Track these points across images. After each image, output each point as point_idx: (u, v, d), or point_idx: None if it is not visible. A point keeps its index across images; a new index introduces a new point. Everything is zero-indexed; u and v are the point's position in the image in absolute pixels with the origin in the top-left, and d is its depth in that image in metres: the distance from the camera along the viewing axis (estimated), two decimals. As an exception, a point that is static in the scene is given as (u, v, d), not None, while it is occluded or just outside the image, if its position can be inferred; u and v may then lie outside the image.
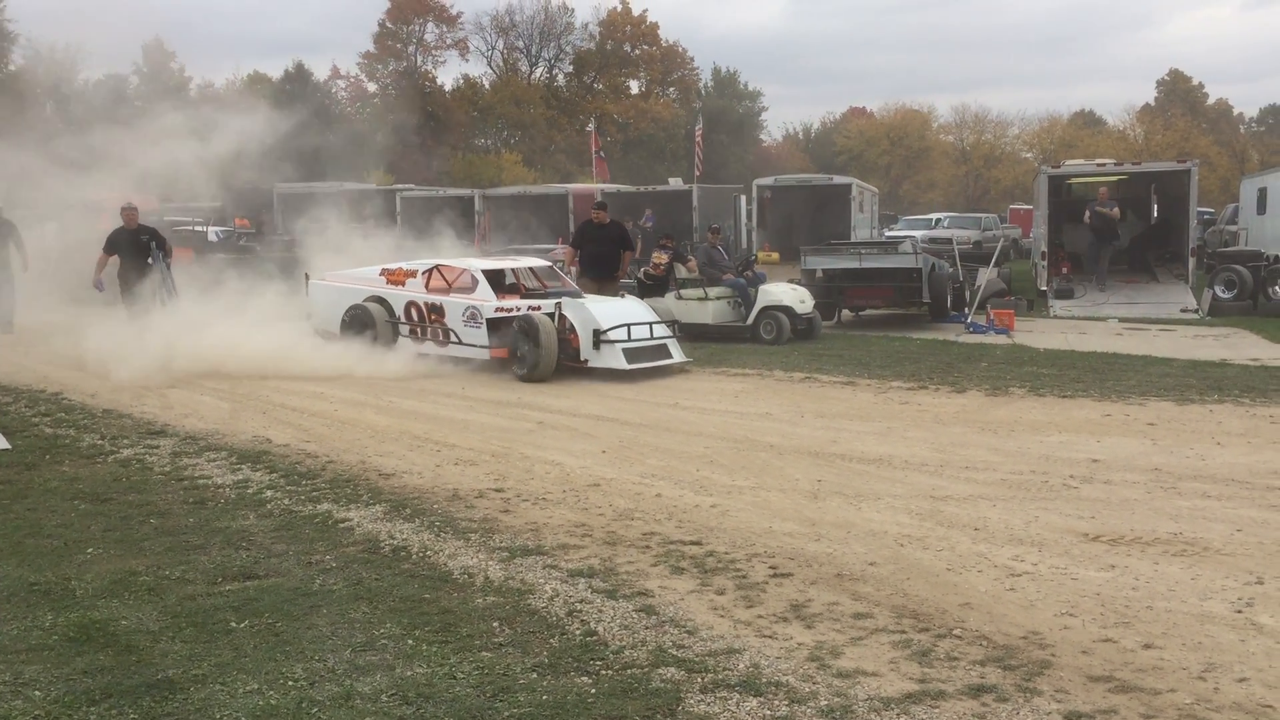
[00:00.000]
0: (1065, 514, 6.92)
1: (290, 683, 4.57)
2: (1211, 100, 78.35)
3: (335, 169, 33.28)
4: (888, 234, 35.15)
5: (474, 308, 13.49)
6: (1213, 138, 69.89)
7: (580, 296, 13.78)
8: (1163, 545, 6.24)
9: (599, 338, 12.79)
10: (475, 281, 13.82)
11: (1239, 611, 5.18)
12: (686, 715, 4.20)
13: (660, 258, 17.09)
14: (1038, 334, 17.34)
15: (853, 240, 25.39)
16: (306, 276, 15.53)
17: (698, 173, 44.16)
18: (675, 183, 35.59)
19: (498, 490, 7.79)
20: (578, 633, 5.06)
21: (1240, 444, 8.95)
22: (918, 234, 31.53)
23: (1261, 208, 27.17)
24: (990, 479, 7.86)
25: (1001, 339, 16.70)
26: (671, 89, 73.24)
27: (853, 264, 18.68)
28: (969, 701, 4.28)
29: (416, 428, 10.14)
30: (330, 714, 4.27)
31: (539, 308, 13.23)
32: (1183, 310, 20.17)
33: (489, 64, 70.65)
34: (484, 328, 13.37)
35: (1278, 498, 7.23)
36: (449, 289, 14.21)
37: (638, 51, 71.75)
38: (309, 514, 7.22)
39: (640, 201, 32.61)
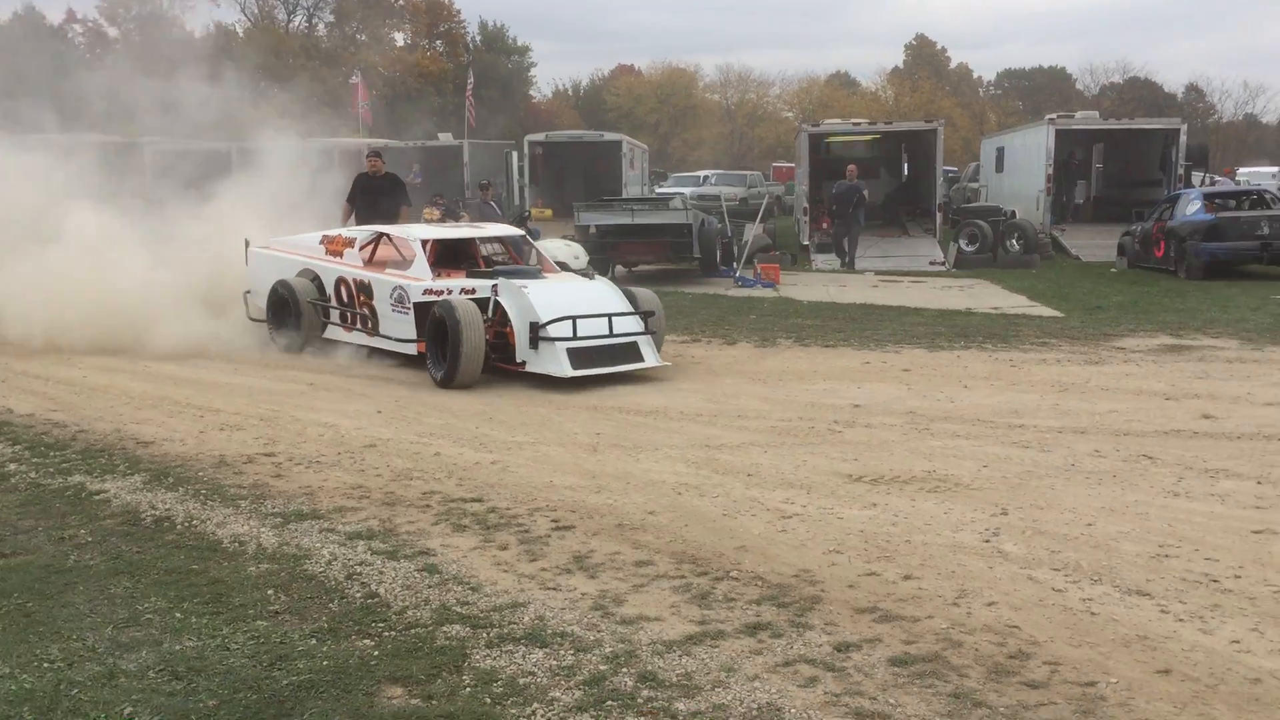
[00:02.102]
0: (831, 457, 7.26)
1: (46, 665, 4.29)
2: (954, 64, 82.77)
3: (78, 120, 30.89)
4: (658, 191, 35.68)
5: (402, 288, 10.57)
6: (955, 100, 73.91)
7: (538, 276, 10.66)
8: (918, 483, 6.63)
9: (537, 333, 9.74)
10: (413, 255, 10.90)
11: (986, 541, 5.57)
12: (473, 671, 4.19)
13: (432, 214, 16.81)
14: (801, 287, 18.04)
15: (625, 197, 25.64)
16: (247, 244, 12.60)
17: (471, 126, 43.50)
18: (445, 138, 34.97)
19: (268, 455, 7.51)
20: (358, 596, 4.95)
21: (985, 386, 9.60)
22: (687, 191, 32.13)
23: (1000, 166, 29.08)
24: (761, 426, 8.14)
25: (768, 292, 17.29)
26: (439, 41, 71.69)
27: (625, 220, 18.88)
28: (746, 639, 4.44)
29: (177, 393, 9.64)
30: (92, 694, 4.04)
31: (471, 291, 10.29)
32: (931, 263, 21.39)
33: (242, 10, 67.28)
34: (411, 314, 10.42)
35: (1019, 435, 7.79)
36: (386, 263, 11.25)
37: (401, 1, 69.81)
38: (59, 487, 6.77)
39: (408, 157, 31.88)
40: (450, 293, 10.21)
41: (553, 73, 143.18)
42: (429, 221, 16.63)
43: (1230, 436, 7.68)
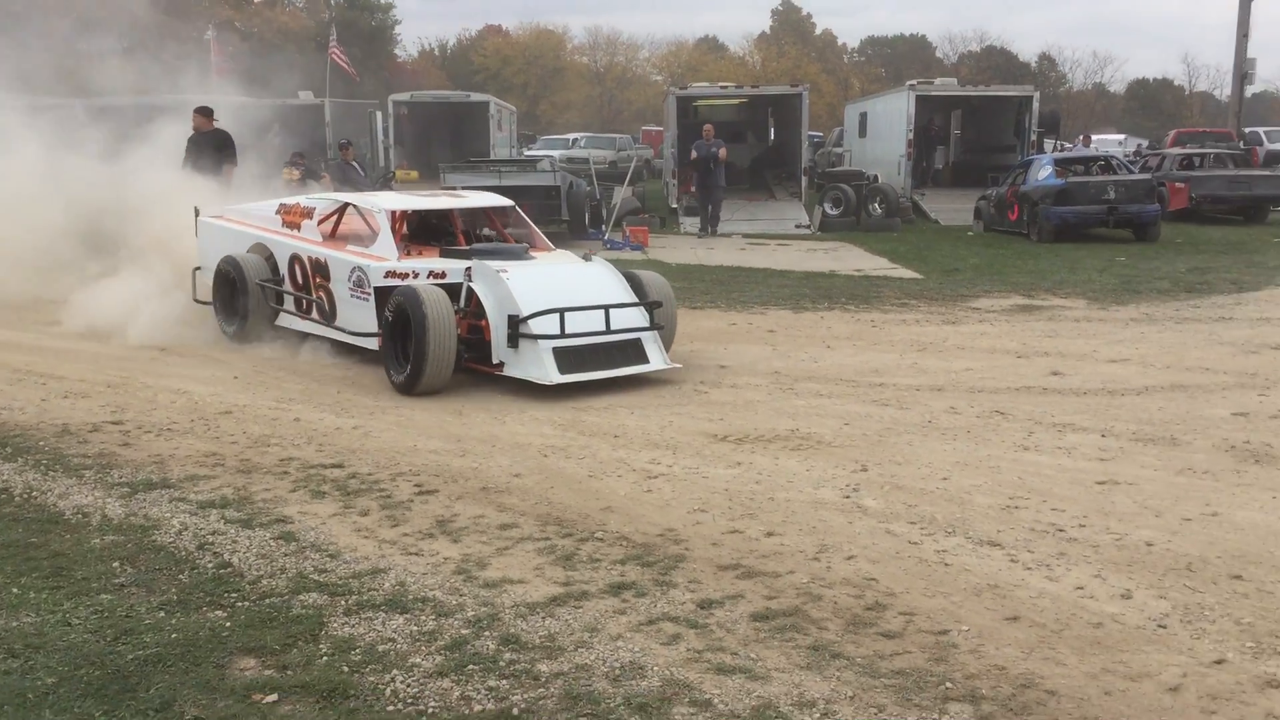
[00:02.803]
0: (696, 417, 7.30)
1: None
2: (819, 30, 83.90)
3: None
4: (526, 153, 35.34)
5: (361, 269, 8.68)
6: (820, 66, 74.93)
7: (522, 256, 8.85)
8: (782, 441, 6.72)
9: (516, 329, 7.99)
10: (378, 228, 9.10)
11: (846, 497, 5.67)
12: (330, 639, 4.09)
13: (292, 174, 16.29)
14: (670, 250, 18.10)
15: (492, 159, 25.31)
16: (196, 212, 10.91)
17: (354, 79, 42.33)
18: (305, 96, 33.94)
19: (115, 423, 7.20)
20: (210, 566, 4.78)
21: (847, 346, 9.78)
22: (555, 153, 31.91)
23: (863, 131, 29.59)
24: (628, 388, 8.14)
25: (637, 255, 17.29)
26: (299, -3, 69.46)
27: (493, 182, 18.60)
28: (610, 599, 4.43)
29: (15, 359, 9.17)
30: (-81, 678, 3.81)
31: (441, 274, 8.51)
32: (797, 226, 21.69)
33: (88, -40, 64.10)
34: (371, 300, 8.54)
35: (879, 394, 7.96)
36: (348, 239, 9.43)
37: (259, -45, 67.37)
38: (-115, 460, 6.37)
39: (266, 116, 30.85)
40: (416, 276, 8.48)
41: (418, 32, 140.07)
42: (289, 183, 16.11)
43: (1077, 392, 7.98)
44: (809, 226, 21.64)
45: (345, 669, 3.87)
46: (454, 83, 67.17)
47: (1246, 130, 36.24)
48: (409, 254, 8.90)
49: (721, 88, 28.17)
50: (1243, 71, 34.16)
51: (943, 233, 21.37)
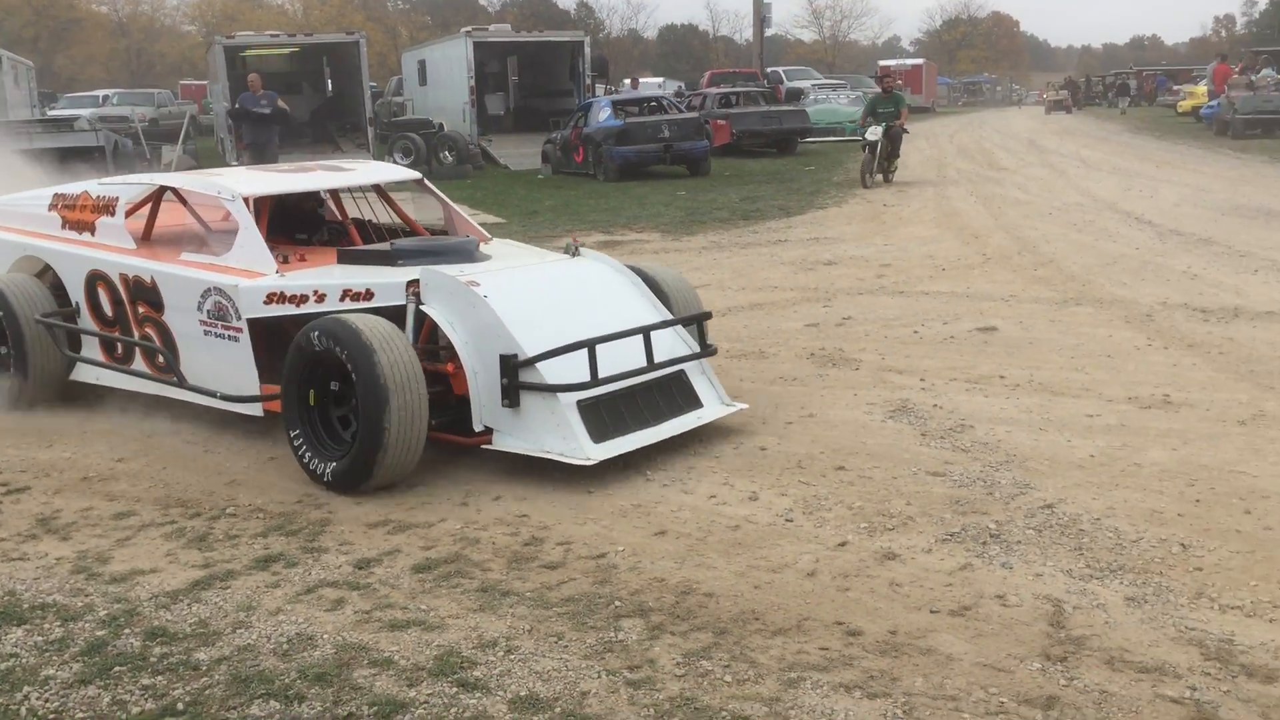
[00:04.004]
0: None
1: None
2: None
3: None
4: (51, 113, 31.88)
5: (222, 291, 5.66)
6: (365, 14, 73.35)
7: (474, 255, 5.89)
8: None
9: (515, 376, 5.12)
10: (232, 225, 6.10)
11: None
12: (-64, 669, 3.57)
13: None
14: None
15: (16, 119, 22.62)
16: None
17: None
18: None
19: None
20: None
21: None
22: (86, 112, 29.04)
23: (423, 79, 29.35)
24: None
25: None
26: None
27: (25, 145, 16.69)
28: (260, 574, 4.19)
29: None
30: None
31: (366, 294, 5.43)
32: (368, 178, 21.17)
33: None
34: (243, 338, 5.62)
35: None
36: (180, 244, 6.37)
37: None
38: None
39: None
40: (320, 298, 5.44)
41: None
42: None
43: (671, 318, 8.46)
44: (380, 178, 21.19)
45: (-35, 698, 3.40)
46: (-50, 36, 59.16)
47: (769, 70, 39.74)
48: (285, 262, 5.89)
49: (271, 36, 26.78)
50: (762, 16, 37.33)
51: (514, 177, 21.75)
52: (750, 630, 3.64)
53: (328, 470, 5.03)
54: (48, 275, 6.74)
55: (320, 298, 5.44)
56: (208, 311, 5.70)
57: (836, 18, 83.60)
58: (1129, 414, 5.79)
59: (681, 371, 5.65)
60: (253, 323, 5.55)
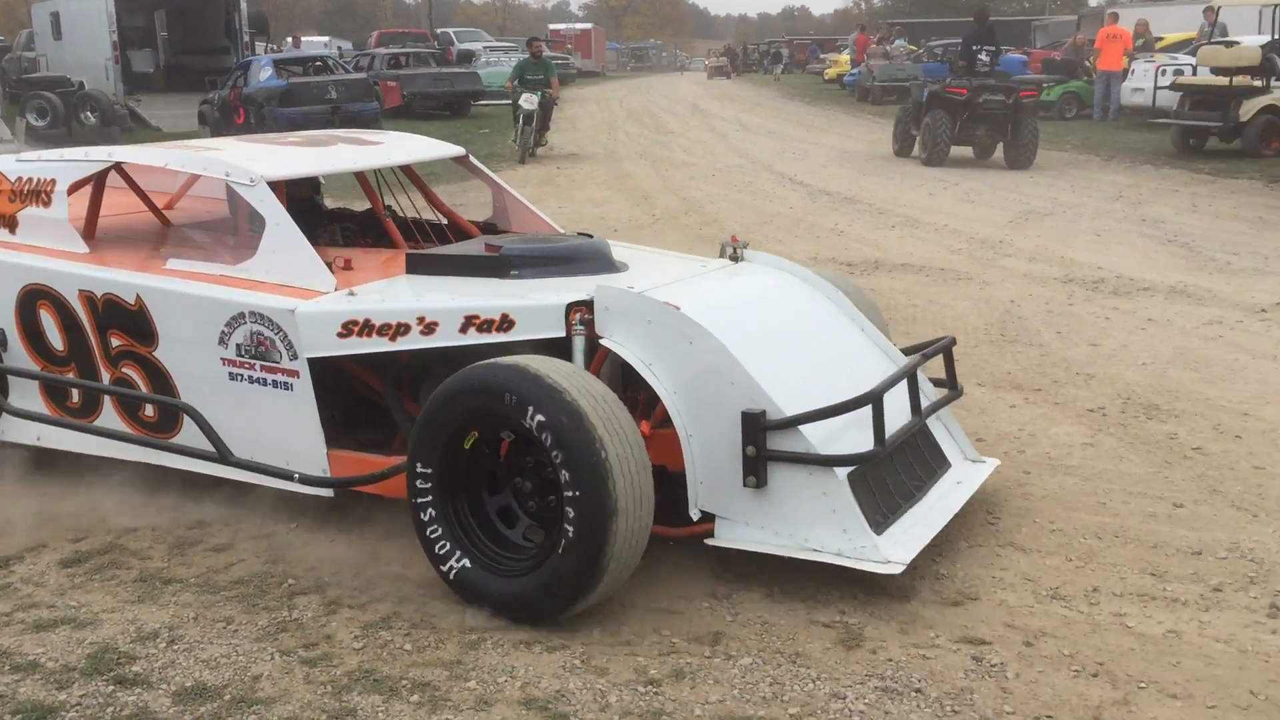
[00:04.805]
0: None
1: None
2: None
3: None
4: None
5: (263, 318, 4.00)
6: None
7: (614, 266, 4.17)
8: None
9: (762, 440, 3.52)
10: (236, 219, 4.85)
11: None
12: None
13: None
14: None
15: None
16: None
17: None
18: None
19: None
20: None
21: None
22: None
23: (58, 33, 26.84)
24: None
25: None
26: None
27: None
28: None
29: None
30: None
31: (503, 322, 3.72)
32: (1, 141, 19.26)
33: None
34: (301, 388, 3.98)
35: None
36: (160, 246, 4.89)
37: None
38: None
39: None
40: (430, 328, 3.79)
41: None
42: None
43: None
44: (13, 140, 19.31)
45: None
46: None
47: (439, 31, 39.18)
48: (339, 270, 4.27)
49: None
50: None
51: (161, 138, 20.35)
52: (433, 596, 3.61)
53: (483, 585, 3.46)
54: None
55: (429, 328, 3.79)
56: (239, 347, 4.07)
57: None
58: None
59: (926, 428, 4.14)
60: (314, 363, 3.99)
